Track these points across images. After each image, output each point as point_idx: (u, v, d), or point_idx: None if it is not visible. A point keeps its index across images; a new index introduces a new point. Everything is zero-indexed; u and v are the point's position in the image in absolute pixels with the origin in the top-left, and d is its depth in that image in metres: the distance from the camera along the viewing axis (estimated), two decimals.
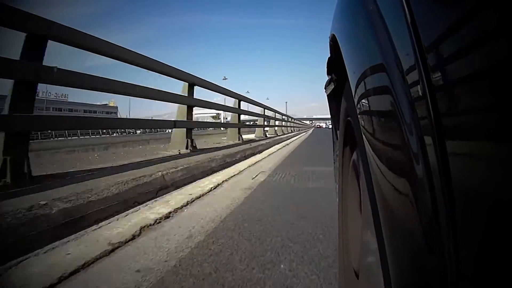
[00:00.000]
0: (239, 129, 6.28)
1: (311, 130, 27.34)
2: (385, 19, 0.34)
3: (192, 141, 4.01)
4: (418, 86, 0.26)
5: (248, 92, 68.78)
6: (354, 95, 0.46)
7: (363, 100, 0.43)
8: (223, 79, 51.60)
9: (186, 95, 4.07)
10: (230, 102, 6.49)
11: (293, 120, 22.56)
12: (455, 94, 0.23)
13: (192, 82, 4.16)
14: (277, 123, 12.22)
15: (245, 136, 7.68)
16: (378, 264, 0.35)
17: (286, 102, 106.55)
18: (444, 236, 0.22)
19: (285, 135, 11.70)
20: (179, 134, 4.01)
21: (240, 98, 6.33)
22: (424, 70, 0.25)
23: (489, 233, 0.19)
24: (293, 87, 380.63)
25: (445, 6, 0.24)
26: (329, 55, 0.84)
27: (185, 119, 4.01)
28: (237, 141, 6.06)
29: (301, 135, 15.17)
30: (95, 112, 48.67)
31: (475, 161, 0.21)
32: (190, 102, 4.09)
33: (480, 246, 0.20)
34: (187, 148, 3.90)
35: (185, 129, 3.96)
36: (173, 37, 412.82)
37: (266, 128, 10.50)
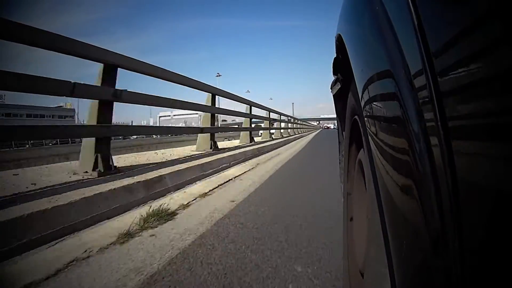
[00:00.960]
0: (211, 135, 4.71)
1: (315, 133, 24.02)
2: (391, 20, 0.34)
3: (106, 157, 2.48)
4: (424, 87, 0.25)
5: (248, 91, 66.54)
6: (361, 95, 0.46)
7: (369, 100, 0.42)
8: (217, 76, 49.47)
9: (100, 84, 2.54)
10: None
11: (296, 121, 20.84)
12: (460, 94, 0.23)
13: (111, 62, 2.61)
14: (275, 124, 10.55)
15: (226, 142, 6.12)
16: (383, 264, 0.34)
17: (293, 103, 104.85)
18: (449, 236, 0.22)
19: (283, 139, 10.07)
20: (87, 147, 2.49)
21: (213, 91, 4.76)
22: (431, 72, 0.25)
23: (494, 235, 0.19)
24: (300, 89, 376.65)
25: (450, 6, 0.25)
26: (335, 55, 0.84)
27: (94, 123, 2.49)
28: (208, 150, 4.51)
29: (302, 138, 13.54)
30: (43, 116, 41.72)
31: (481, 162, 0.21)
32: (101, 95, 2.52)
33: (485, 248, 0.20)
34: (95, 169, 2.38)
35: (94, 139, 2.45)
36: (174, 42, 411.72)
37: (261, 131, 8.90)
